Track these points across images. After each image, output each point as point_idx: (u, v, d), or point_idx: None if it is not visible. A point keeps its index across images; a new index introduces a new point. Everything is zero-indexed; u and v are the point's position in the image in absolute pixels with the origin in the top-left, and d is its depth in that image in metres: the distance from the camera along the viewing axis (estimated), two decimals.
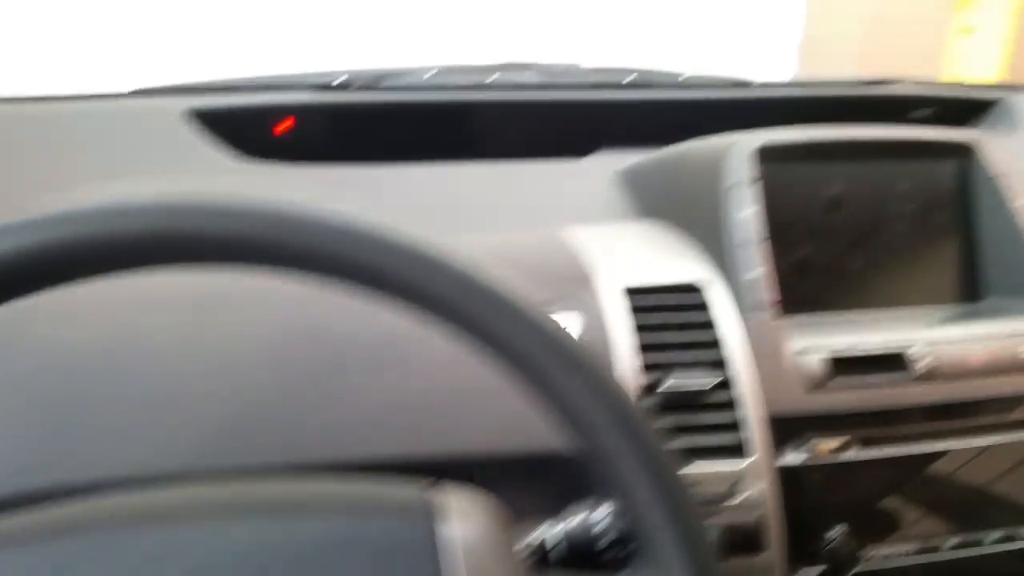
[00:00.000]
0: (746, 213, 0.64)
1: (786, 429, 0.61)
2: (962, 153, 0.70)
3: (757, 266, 0.63)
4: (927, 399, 0.62)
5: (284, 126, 0.97)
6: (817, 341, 0.63)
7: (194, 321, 0.56)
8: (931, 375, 0.62)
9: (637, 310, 0.63)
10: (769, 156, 0.66)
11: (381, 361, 0.55)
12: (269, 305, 0.57)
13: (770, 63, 2.74)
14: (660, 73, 1.19)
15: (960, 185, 0.70)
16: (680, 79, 1.18)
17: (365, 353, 0.55)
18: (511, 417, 0.52)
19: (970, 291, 0.70)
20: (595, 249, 0.68)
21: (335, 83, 1.02)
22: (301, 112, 0.98)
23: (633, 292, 0.63)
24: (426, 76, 1.08)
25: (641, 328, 0.62)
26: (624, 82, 1.13)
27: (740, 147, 0.66)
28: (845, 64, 2.60)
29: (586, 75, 1.13)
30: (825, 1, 2.61)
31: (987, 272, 0.69)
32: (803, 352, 0.62)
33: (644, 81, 1.15)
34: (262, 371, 0.54)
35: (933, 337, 0.63)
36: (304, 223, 0.34)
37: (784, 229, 0.67)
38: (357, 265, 0.35)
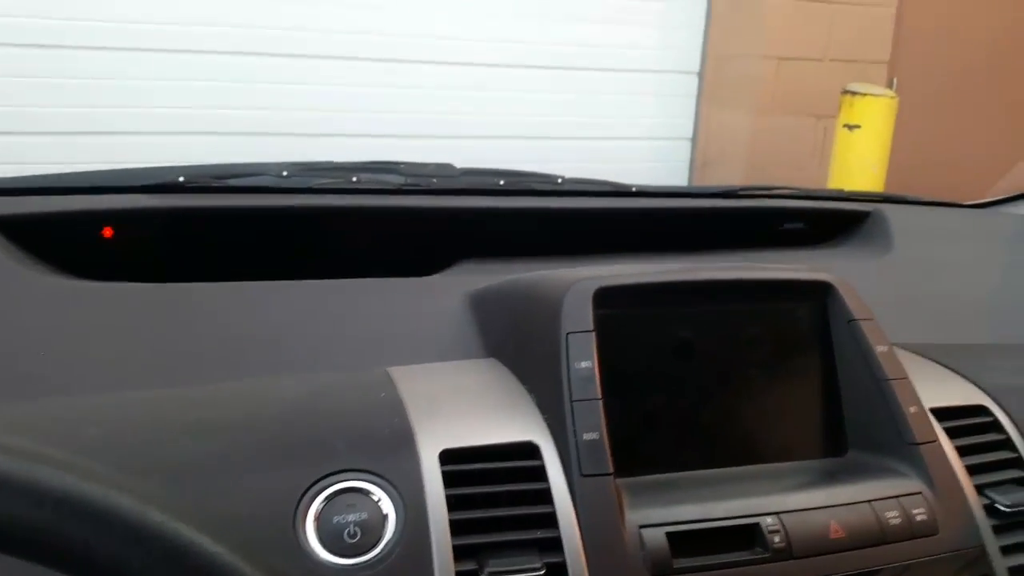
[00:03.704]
0: (584, 365, 0.57)
1: None
2: (819, 293, 0.66)
3: (595, 427, 0.56)
4: None
5: (102, 236, 0.86)
6: (662, 512, 0.56)
7: None
8: (786, 551, 0.55)
9: (457, 477, 0.54)
10: (609, 299, 0.60)
11: None
12: None
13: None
14: (537, 176, 1.14)
15: (817, 328, 0.65)
16: (558, 182, 1.14)
17: None
18: None
19: (831, 445, 0.64)
20: (420, 398, 0.60)
21: (169, 182, 0.92)
22: (125, 219, 0.87)
23: (453, 456, 0.55)
24: (280, 175, 1.00)
25: (460, 500, 0.53)
26: (498, 185, 1.08)
27: (578, 290, 0.59)
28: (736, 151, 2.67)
29: (457, 178, 1.06)
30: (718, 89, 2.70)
31: (848, 424, 0.64)
32: (646, 526, 0.54)
33: (519, 186, 1.09)
34: None
35: (789, 504, 0.57)
36: None
37: (629, 378, 0.61)
38: None
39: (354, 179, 1.00)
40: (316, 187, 0.97)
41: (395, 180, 1.03)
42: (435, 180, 1.04)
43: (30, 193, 0.85)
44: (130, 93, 2.23)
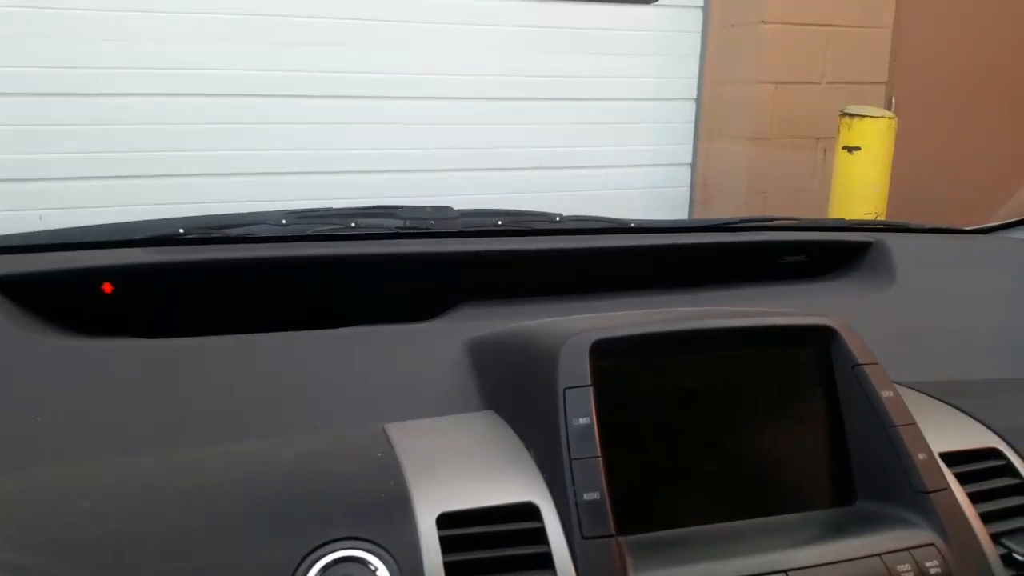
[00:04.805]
0: (583, 422, 0.56)
1: None
2: (821, 338, 0.65)
3: (595, 486, 0.54)
4: None
5: (102, 292, 0.85)
6: (667, 573, 0.54)
7: None
8: None
9: (455, 542, 0.53)
10: (607, 351, 0.59)
11: None
12: None
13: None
14: (535, 215, 1.14)
15: (821, 373, 0.64)
16: (556, 220, 1.13)
17: None
18: None
19: (840, 494, 0.63)
20: (417, 458, 0.59)
21: (168, 235, 0.91)
22: (124, 275, 0.87)
23: (451, 519, 0.54)
24: (278, 223, 0.99)
25: (459, 567, 0.52)
26: (496, 226, 1.08)
27: (574, 343, 0.59)
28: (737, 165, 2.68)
29: (455, 220, 1.06)
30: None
31: (856, 472, 0.63)
32: None
33: (518, 225, 1.09)
34: None
35: (798, 560, 0.56)
36: None
37: (629, 431, 0.59)
38: None
39: (352, 225, 1.00)
40: (315, 234, 0.97)
41: (393, 224, 1.02)
42: (433, 223, 1.04)
43: (29, 251, 0.84)
44: (136, 137, 2.26)
